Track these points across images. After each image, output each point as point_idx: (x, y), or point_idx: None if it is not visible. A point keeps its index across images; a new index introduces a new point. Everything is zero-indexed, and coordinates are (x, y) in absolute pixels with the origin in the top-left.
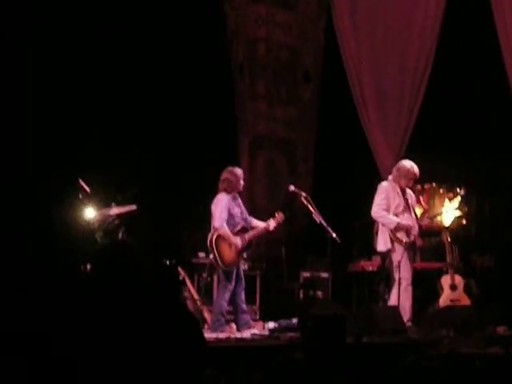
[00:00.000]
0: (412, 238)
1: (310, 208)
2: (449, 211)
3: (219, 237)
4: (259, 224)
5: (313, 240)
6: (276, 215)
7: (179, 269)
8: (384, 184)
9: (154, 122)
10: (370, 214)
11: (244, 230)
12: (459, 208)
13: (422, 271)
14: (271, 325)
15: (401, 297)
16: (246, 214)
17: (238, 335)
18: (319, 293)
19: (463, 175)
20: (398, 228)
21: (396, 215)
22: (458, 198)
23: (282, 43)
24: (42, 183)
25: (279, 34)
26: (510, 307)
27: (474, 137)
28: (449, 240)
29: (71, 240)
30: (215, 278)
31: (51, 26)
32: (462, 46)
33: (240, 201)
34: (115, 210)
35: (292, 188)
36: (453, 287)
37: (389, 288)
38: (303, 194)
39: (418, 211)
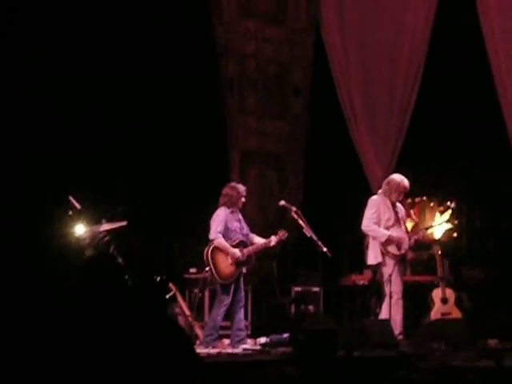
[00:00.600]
0: (403, 251)
1: (301, 222)
2: (440, 224)
3: (215, 248)
4: (260, 241)
5: (304, 254)
6: (279, 232)
7: (170, 285)
8: (374, 198)
9: (144, 138)
10: (360, 227)
11: (243, 244)
12: (450, 221)
13: (413, 284)
14: (263, 340)
15: (392, 310)
16: (247, 231)
17: (230, 350)
18: (311, 307)
19: (454, 188)
20: (389, 241)
21: (387, 229)
22: (449, 212)
23: (272, 58)
24: (33, 200)
25: (268, 49)
26: (501, 320)
27: (465, 150)
28: (439, 253)
29: (61, 257)
30: (206, 293)
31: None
32: (451, 59)
33: (240, 216)
34: (105, 227)
35: (282, 202)
36: (444, 300)
37: (380, 302)
38: (293, 208)
39: (409, 225)
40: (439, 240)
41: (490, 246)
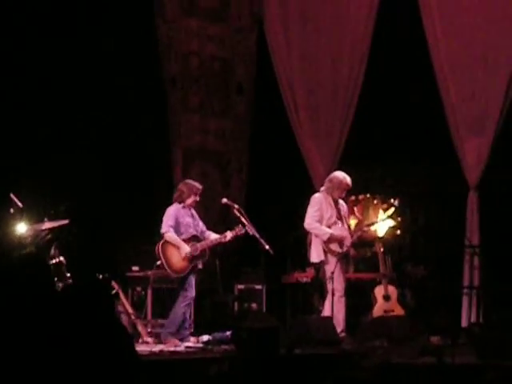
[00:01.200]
0: (345, 248)
1: (243, 220)
2: (383, 220)
3: (165, 242)
4: (216, 236)
5: (247, 252)
6: (236, 228)
7: (113, 283)
8: (317, 196)
9: (86, 135)
10: (303, 225)
11: (196, 239)
12: (393, 218)
13: (356, 282)
14: (205, 337)
15: (334, 308)
16: (202, 227)
17: (172, 348)
18: (254, 305)
19: (397, 186)
20: (331, 239)
21: (329, 226)
22: (392, 209)
23: (215, 56)
24: None
25: (211, 47)
26: (443, 317)
27: (408, 147)
28: (382, 250)
29: (1, 255)
30: (149, 291)
31: None
32: (393, 55)
33: (194, 212)
34: (47, 225)
35: (225, 200)
36: (386, 297)
37: (323, 299)
38: (236, 206)
39: (353, 222)
40: (382, 237)
41: (432, 243)
